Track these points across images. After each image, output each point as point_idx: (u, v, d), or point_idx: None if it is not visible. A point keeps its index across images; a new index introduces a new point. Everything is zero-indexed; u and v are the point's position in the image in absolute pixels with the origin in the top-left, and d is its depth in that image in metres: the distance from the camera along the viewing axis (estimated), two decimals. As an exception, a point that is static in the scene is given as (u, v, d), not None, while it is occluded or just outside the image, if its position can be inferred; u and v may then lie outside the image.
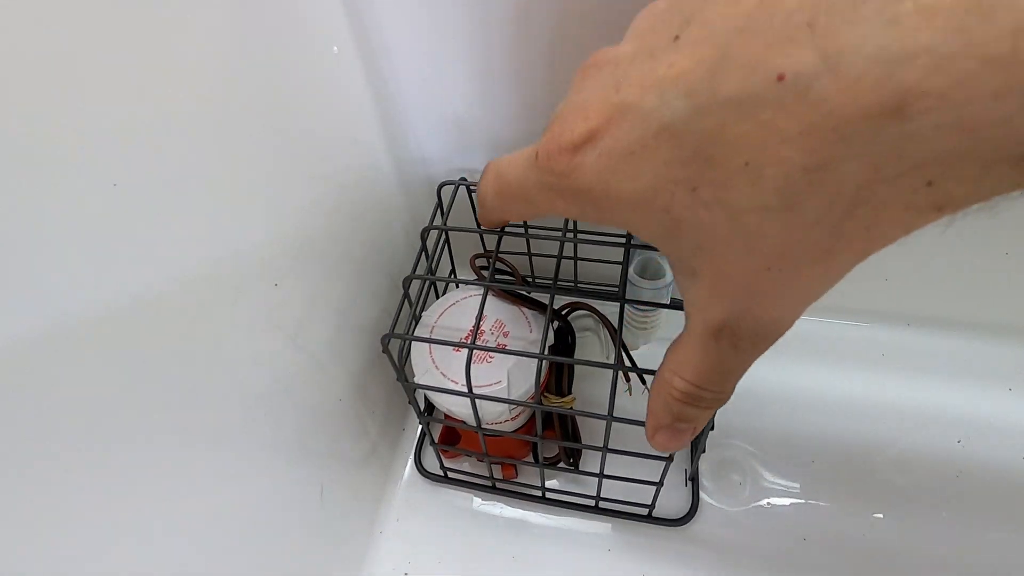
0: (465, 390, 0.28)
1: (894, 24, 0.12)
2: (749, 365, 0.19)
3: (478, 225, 0.28)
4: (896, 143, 0.12)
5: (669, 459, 0.30)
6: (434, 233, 0.32)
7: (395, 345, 0.29)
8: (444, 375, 0.32)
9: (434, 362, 0.32)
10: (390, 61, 0.32)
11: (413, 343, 0.33)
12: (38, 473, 0.18)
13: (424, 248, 0.33)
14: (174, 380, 0.22)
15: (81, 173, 0.18)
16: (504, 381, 0.31)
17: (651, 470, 0.32)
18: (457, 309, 0.35)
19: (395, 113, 0.35)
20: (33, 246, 0.17)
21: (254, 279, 0.27)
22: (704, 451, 0.33)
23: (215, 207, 0.24)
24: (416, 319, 0.33)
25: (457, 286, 0.37)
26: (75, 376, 0.18)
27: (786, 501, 0.38)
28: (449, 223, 0.33)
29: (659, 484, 0.33)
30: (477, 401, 0.30)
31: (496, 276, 0.30)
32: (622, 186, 0.17)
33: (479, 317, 0.28)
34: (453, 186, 0.34)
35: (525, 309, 0.34)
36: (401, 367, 0.30)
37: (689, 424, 0.21)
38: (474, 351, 0.28)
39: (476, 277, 0.36)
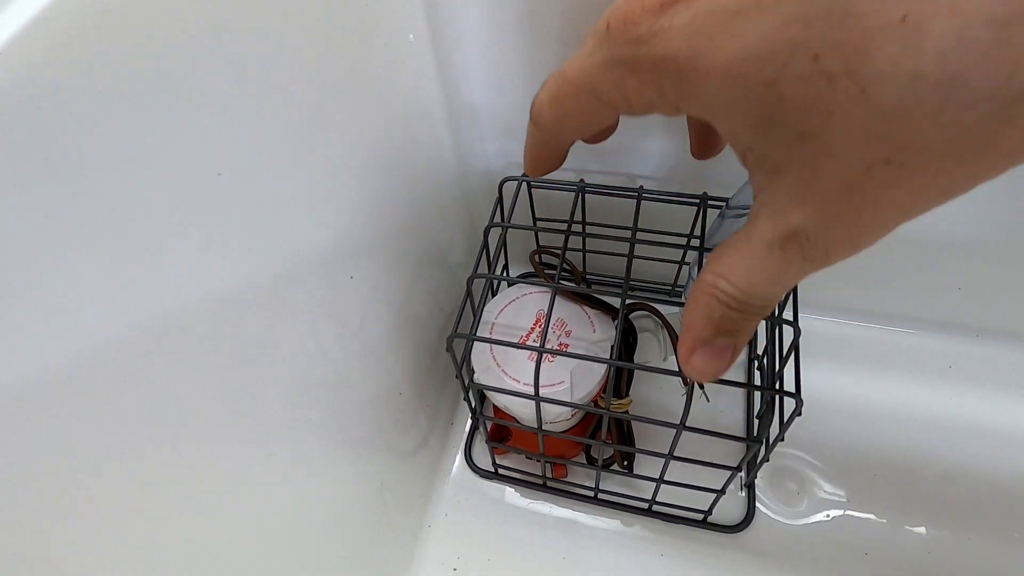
0: (529, 391, 0.28)
1: None
2: (805, 277, 0.16)
3: (534, 221, 0.26)
4: None
5: (737, 468, 0.30)
6: (494, 230, 0.32)
7: (458, 345, 0.29)
8: (505, 373, 0.32)
9: (495, 359, 0.32)
10: (461, 51, 0.31)
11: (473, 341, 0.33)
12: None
13: (486, 245, 0.32)
14: (256, 375, 0.23)
15: (190, 164, 0.18)
16: (567, 382, 0.31)
17: (709, 476, 0.32)
18: (516, 306, 0.34)
19: (460, 105, 0.34)
20: (144, 240, 0.17)
21: (324, 272, 0.27)
22: (768, 460, 0.32)
23: (301, 197, 0.24)
24: (479, 317, 0.32)
25: (513, 285, 0.36)
26: (173, 368, 0.19)
27: (845, 514, 0.37)
28: (510, 221, 0.32)
29: (720, 492, 0.33)
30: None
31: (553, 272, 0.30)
32: (717, 52, 0.13)
33: (548, 318, 0.27)
34: (515, 183, 0.34)
35: (587, 308, 0.33)
36: (462, 367, 0.29)
37: (730, 339, 0.18)
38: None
39: (534, 271, 0.35)
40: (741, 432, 0.41)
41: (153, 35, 0.16)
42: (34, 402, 0.15)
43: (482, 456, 0.41)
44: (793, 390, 0.26)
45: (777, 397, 0.30)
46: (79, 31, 0.15)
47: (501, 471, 0.40)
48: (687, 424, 0.27)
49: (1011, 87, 0.11)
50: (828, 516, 0.37)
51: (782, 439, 0.29)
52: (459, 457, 0.42)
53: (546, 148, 0.21)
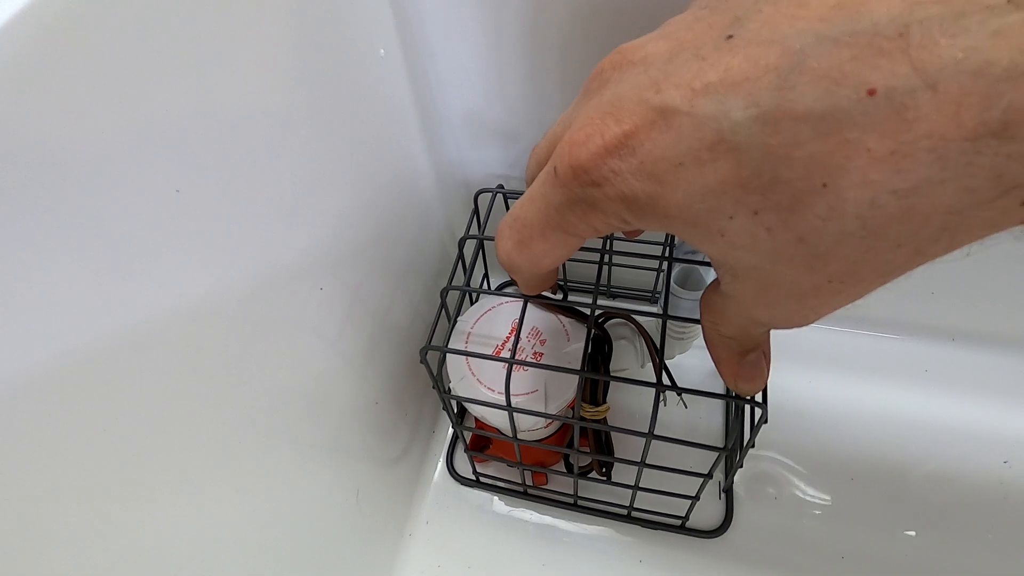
0: (502, 402, 0.28)
1: (1000, 36, 0.11)
2: None
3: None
4: (997, 164, 0.11)
5: (708, 475, 0.30)
6: (471, 242, 0.32)
7: (433, 356, 0.29)
8: (480, 382, 0.32)
9: (470, 369, 0.32)
10: (434, 64, 0.32)
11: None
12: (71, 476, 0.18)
13: (461, 256, 0.33)
14: (224, 384, 0.23)
15: (147, 180, 0.18)
16: (541, 390, 0.31)
17: (687, 484, 0.32)
18: (492, 316, 0.35)
19: (436, 117, 0.35)
20: (100, 251, 0.17)
21: (299, 283, 0.27)
22: (741, 466, 0.33)
23: (269, 210, 0.24)
24: (452, 327, 0.33)
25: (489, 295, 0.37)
26: (147, 380, 0.19)
27: (823, 517, 0.37)
28: (486, 231, 0.32)
29: (695, 498, 0.33)
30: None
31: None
32: (670, 198, 0.15)
33: (519, 328, 0.27)
34: (490, 194, 0.34)
35: (562, 317, 0.34)
36: (438, 378, 0.30)
37: (756, 349, 0.21)
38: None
39: (511, 280, 0.36)
40: (719, 439, 0.41)
41: (114, 45, 0.17)
42: (6, 409, 0.15)
43: (463, 464, 0.42)
44: (760, 399, 0.26)
45: (746, 405, 0.30)
46: (34, 40, 0.15)
47: (482, 479, 0.41)
48: (657, 433, 0.27)
49: (919, 237, 0.13)
50: (806, 520, 0.37)
51: (752, 446, 0.29)
52: (440, 465, 0.42)
53: (534, 279, 0.24)
